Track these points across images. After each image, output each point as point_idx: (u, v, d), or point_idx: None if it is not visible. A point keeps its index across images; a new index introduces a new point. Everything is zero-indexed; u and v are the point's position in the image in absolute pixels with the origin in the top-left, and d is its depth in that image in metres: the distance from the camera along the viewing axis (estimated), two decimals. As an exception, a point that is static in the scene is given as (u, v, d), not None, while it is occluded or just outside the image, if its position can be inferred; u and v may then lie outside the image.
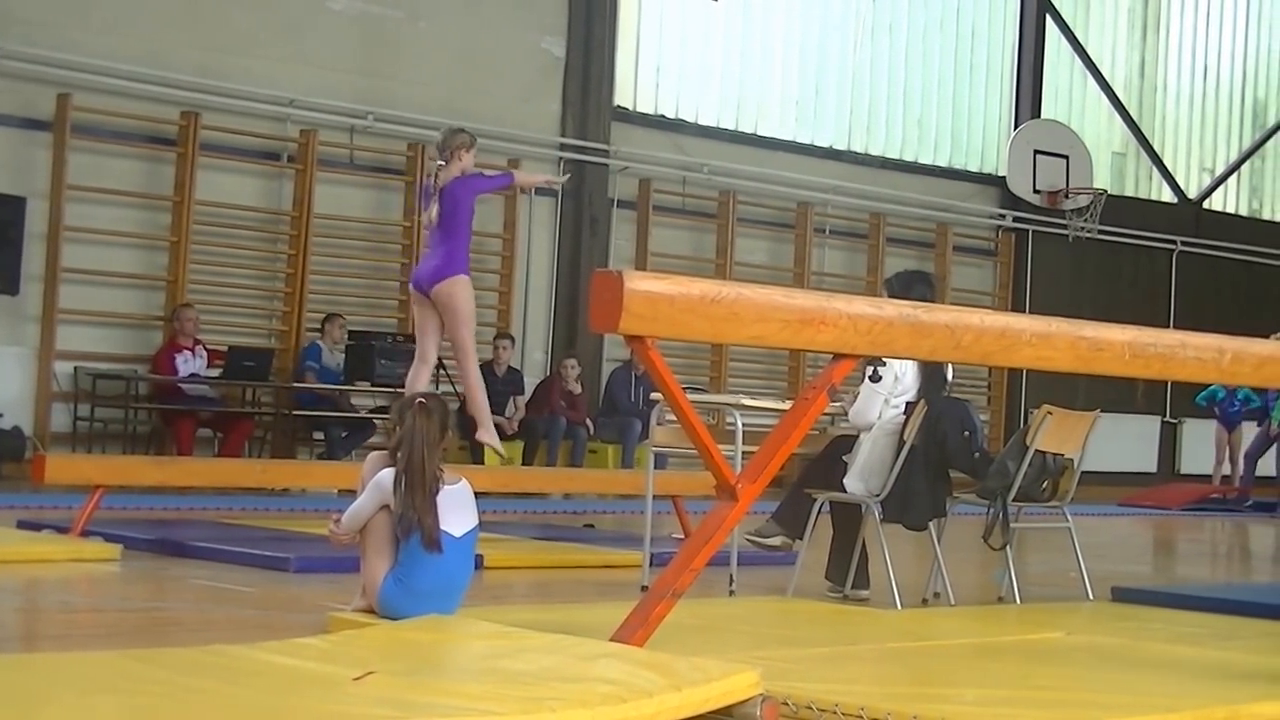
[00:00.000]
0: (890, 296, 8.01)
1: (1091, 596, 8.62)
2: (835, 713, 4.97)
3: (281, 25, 16.50)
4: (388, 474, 6.23)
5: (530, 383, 17.33)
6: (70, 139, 15.03)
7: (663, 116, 19.55)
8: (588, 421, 17.36)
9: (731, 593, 8.26)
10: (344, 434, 15.87)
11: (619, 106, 18.97)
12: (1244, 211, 25.87)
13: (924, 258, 21.17)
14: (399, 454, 6.22)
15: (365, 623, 6.11)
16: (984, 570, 9.65)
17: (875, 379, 8.09)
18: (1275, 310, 23.10)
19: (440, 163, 10.02)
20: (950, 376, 8.37)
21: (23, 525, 9.69)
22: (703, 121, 19.86)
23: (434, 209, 9.87)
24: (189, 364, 15.05)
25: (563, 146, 18.26)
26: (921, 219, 21.60)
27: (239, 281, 16.32)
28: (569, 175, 12.03)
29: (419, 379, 10.20)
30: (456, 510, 6.27)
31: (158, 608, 7.47)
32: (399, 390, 14.56)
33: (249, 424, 15.64)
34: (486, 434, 10.28)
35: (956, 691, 5.56)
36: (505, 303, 17.79)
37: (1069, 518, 8.65)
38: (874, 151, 21.42)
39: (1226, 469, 21.76)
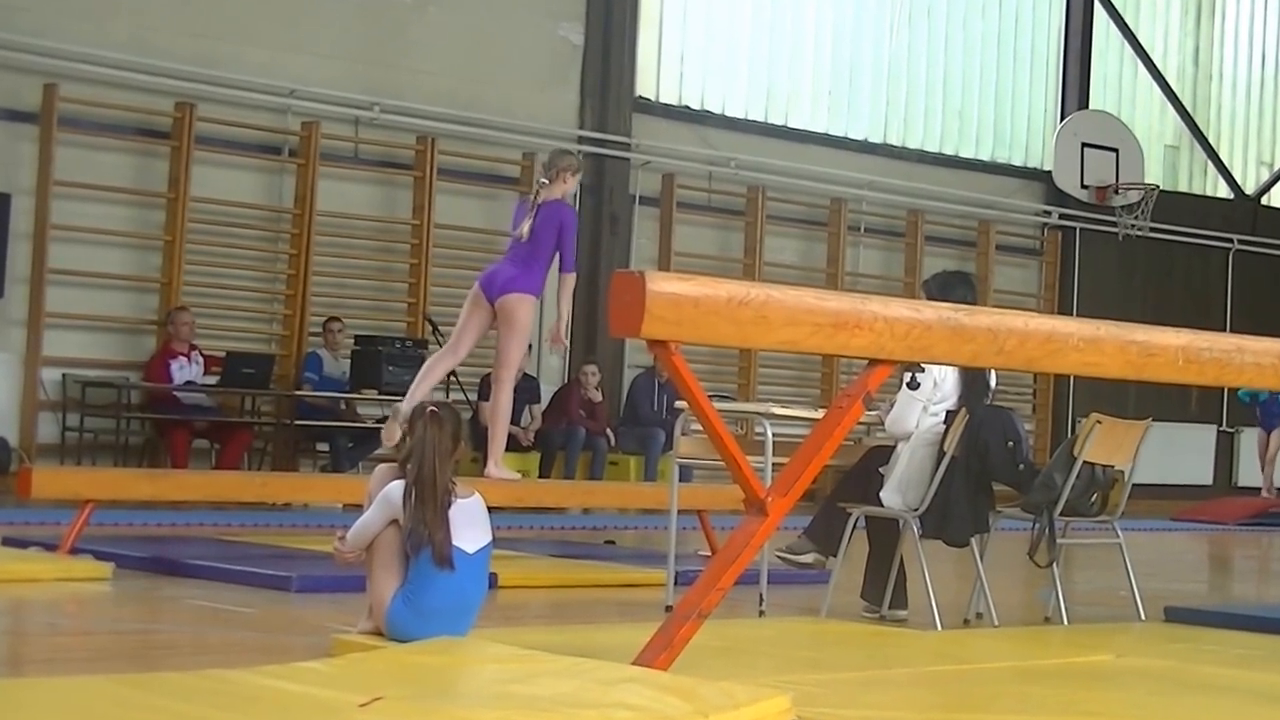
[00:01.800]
0: (928, 299, 8.01)
1: (1143, 617, 8.61)
2: (871, 741, 4.99)
3: (282, 10, 16.52)
4: (397, 487, 6.23)
5: (547, 391, 17.33)
6: (57, 132, 15.05)
7: (687, 107, 19.55)
8: (608, 431, 17.36)
9: (761, 613, 8.26)
10: (349, 445, 15.88)
11: (641, 97, 18.98)
12: (1305, 208, 25.84)
13: (964, 257, 21.17)
14: (409, 466, 6.22)
15: (372, 645, 6.12)
16: (1029, 589, 9.65)
17: (913, 386, 8.09)
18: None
19: (544, 180, 10.56)
20: (993, 383, 8.37)
21: (8, 542, 9.68)
22: (729, 113, 19.86)
23: (527, 224, 10.40)
24: (184, 371, 15.08)
25: (581, 139, 18.25)
26: (962, 216, 21.59)
27: (237, 283, 16.34)
28: (564, 351, 13.13)
29: (438, 365, 10.49)
30: (469, 525, 6.27)
31: (151, 630, 7.48)
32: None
33: (248, 434, 15.65)
34: (497, 469, 10.38)
35: (999, 718, 5.56)
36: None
37: (1119, 533, 8.64)
38: (911, 144, 21.42)
39: (1278, 479, 21.70)
